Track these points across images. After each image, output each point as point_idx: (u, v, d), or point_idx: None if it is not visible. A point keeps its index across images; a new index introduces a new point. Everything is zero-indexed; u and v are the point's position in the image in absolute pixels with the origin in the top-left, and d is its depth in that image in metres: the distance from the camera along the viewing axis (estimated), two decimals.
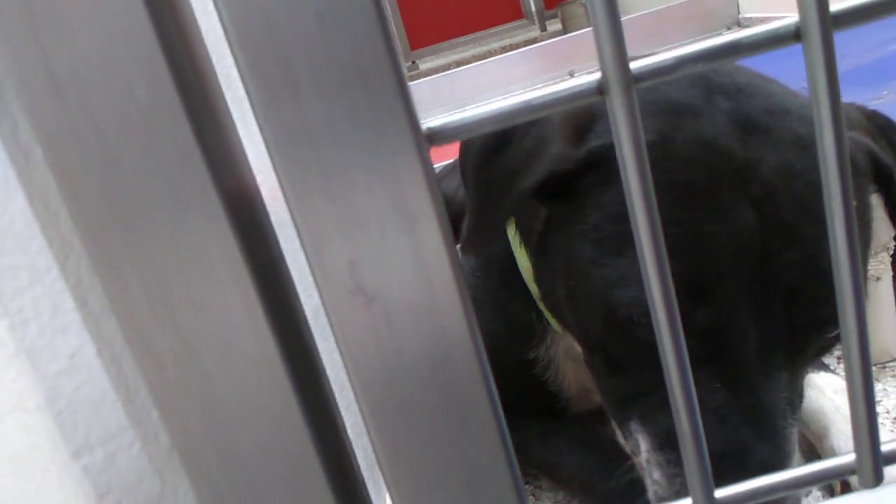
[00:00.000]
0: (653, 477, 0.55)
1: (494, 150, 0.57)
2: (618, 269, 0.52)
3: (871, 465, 0.26)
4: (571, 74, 2.35)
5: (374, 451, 0.26)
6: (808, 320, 0.50)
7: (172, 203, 0.23)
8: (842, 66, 0.27)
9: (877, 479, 0.27)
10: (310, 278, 0.24)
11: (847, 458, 0.27)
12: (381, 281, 0.24)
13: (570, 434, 0.78)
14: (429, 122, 0.23)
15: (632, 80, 0.22)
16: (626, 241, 0.52)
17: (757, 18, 2.42)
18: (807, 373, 0.62)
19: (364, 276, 0.24)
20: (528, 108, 0.23)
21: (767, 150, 0.51)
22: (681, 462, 0.27)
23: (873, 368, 0.40)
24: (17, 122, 0.25)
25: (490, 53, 3.75)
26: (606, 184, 0.53)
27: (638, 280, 0.50)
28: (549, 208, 0.60)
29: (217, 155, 0.24)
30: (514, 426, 0.29)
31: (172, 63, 0.22)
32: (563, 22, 3.75)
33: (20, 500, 0.28)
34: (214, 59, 0.26)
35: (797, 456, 0.52)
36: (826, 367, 0.79)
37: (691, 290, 0.48)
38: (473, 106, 0.23)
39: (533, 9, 4.19)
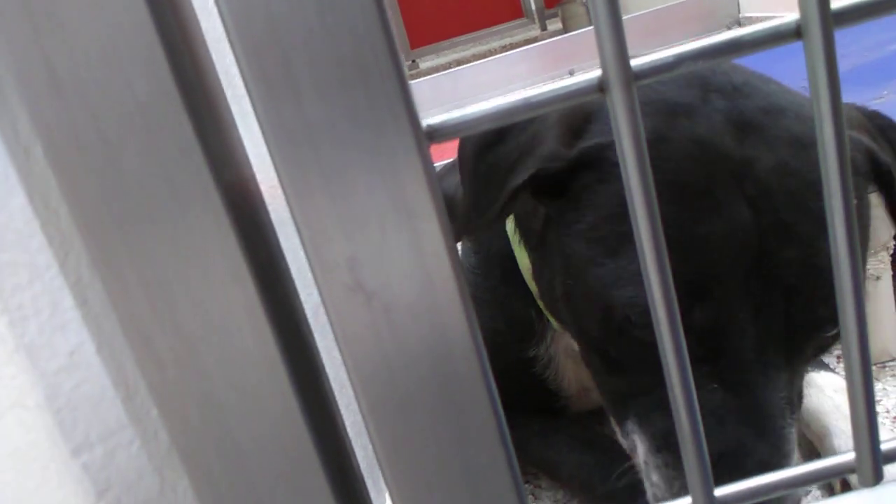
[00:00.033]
0: (651, 479, 0.55)
1: (491, 143, 0.58)
2: (615, 269, 0.52)
3: (871, 464, 0.26)
4: (571, 73, 2.35)
5: (374, 450, 0.26)
6: (806, 319, 0.50)
7: (172, 201, 0.23)
8: (842, 65, 0.27)
9: (876, 478, 0.27)
10: (309, 276, 0.24)
11: (847, 456, 0.27)
12: (381, 279, 0.24)
13: (570, 433, 0.78)
14: (429, 119, 0.23)
15: (632, 77, 0.22)
16: (623, 240, 0.52)
17: (757, 18, 2.41)
18: (806, 372, 0.62)
19: (364, 273, 0.24)
20: (528, 105, 0.23)
21: (763, 149, 0.51)
22: (679, 464, 0.27)
23: (873, 367, 0.40)
24: (17, 119, 0.25)
25: (490, 52, 3.75)
26: (603, 183, 0.53)
27: (635, 280, 0.50)
28: (546, 206, 0.60)
29: (217, 152, 0.24)
30: (513, 424, 0.29)
31: (173, 60, 0.22)
32: (564, 21, 3.75)
33: (20, 497, 0.28)
34: (214, 57, 0.26)
35: (796, 455, 0.52)
36: (826, 366, 0.79)
37: (688, 290, 0.48)
38: (473, 104, 0.23)
39: (533, 8, 4.18)
